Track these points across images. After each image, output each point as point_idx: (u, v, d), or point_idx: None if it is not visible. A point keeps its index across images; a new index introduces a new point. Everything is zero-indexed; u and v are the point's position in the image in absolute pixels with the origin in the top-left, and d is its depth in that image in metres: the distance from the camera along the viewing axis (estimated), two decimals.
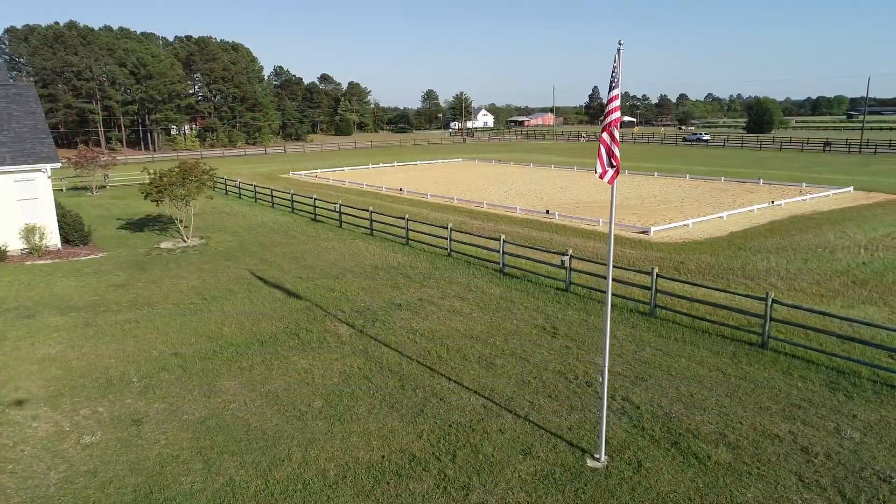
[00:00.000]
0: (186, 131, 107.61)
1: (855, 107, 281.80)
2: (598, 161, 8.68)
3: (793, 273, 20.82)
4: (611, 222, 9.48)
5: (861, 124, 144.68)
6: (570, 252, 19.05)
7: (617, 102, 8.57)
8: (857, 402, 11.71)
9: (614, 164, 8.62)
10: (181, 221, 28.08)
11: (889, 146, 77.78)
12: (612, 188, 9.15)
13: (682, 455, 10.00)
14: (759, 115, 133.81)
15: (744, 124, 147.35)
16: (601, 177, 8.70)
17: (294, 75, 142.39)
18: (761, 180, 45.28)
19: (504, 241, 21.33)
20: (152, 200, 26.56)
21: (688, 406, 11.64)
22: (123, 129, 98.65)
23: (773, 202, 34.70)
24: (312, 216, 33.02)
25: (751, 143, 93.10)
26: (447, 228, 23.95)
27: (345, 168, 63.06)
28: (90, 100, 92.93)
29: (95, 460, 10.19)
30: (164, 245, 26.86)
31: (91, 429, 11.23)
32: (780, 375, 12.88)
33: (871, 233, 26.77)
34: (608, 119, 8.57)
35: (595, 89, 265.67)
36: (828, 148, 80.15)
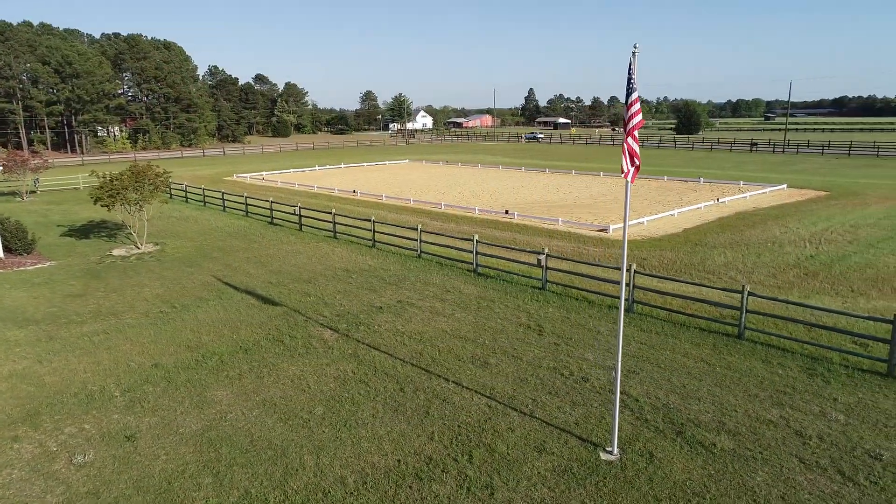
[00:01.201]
0: (116, 133, 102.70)
1: (770, 109, 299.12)
2: (624, 161, 8.90)
3: (749, 267, 21.90)
4: (625, 224, 9.74)
5: (780, 126, 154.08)
6: (546, 251, 19.39)
7: (637, 106, 8.82)
8: (834, 386, 12.47)
9: (636, 162, 8.87)
10: (133, 227, 26.84)
11: (808, 146, 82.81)
12: (627, 187, 9.39)
13: (688, 444, 10.39)
14: (687, 117, 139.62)
15: (673, 126, 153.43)
16: (625, 176, 8.93)
17: (230, 75, 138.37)
18: (702, 179, 47.34)
19: (477, 241, 21.49)
20: (103, 205, 25.28)
21: (683, 397, 12.09)
22: (48, 130, 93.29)
23: (718, 200, 36.37)
24: (269, 220, 32.24)
25: (682, 143, 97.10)
26: (417, 230, 23.91)
27: (291, 170, 61.82)
28: (10, 99, 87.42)
29: (94, 480, 9.65)
30: (116, 252, 25.60)
31: (81, 447, 10.62)
32: (760, 364, 13.55)
33: (811, 227, 28.48)
34: (631, 124, 8.80)
35: (531, 91, 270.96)
36: (754, 148, 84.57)
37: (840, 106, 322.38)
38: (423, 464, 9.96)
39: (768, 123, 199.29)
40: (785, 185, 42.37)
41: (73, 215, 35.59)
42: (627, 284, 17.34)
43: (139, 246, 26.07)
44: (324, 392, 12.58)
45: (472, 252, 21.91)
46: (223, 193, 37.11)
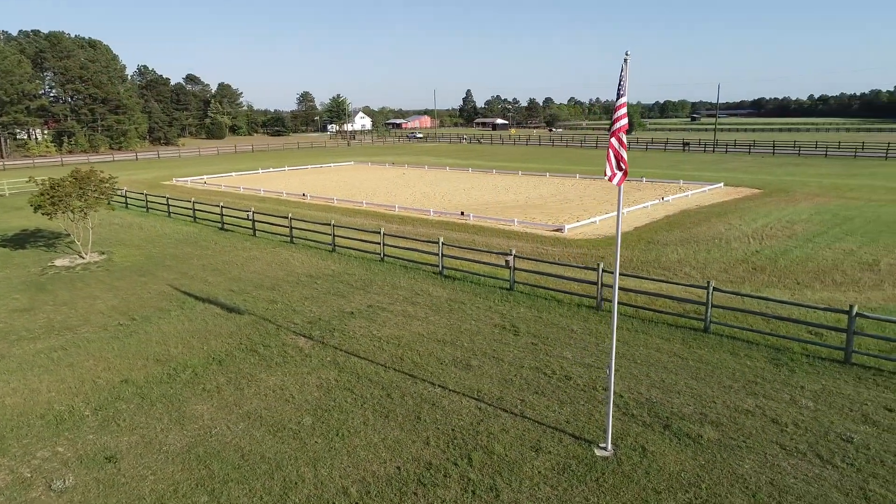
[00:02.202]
0: (39, 136, 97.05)
1: (696, 110, 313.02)
2: (608, 165, 9.15)
3: (702, 263, 22.87)
4: (618, 227, 10.00)
5: (706, 126, 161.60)
6: (514, 252, 19.65)
7: (624, 110, 9.09)
8: (799, 374, 13.21)
9: (623, 167, 9.13)
10: (77, 236, 25.49)
11: (735, 146, 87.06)
12: (619, 190, 9.66)
13: (676, 437, 10.78)
14: None
15: (607, 126, 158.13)
16: (610, 179, 9.17)
17: (160, 75, 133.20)
18: (644, 178, 49.00)
19: (443, 243, 21.54)
20: (44, 214, 23.88)
21: (663, 391, 12.53)
22: None
23: (662, 198, 37.76)
24: (219, 225, 31.27)
25: None
26: (380, 234, 23.75)
27: (233, 174, 60.09)
28: None
29: None
30: (59, 262, 24.23)
31: (58, 472, 10.04)
32: (729, 356, 14.20)
33: (752, 223, 29.98)
34: (616, 125, 9.07)
35: (469, 92, 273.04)
36: (687, 148, 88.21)
37: (759, 107, 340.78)
38: (423, 469, 9.94)
39: (695, 124, 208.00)
40: (722, 184, 44.42)
41: (2, 224, 33.44)
42: (594, 283, 17.82)
43: (84, 255, 24.78)
44: (309, 401, 12.34)
45: (435, 254, 21.95)
46: (168, 199, 35.71)
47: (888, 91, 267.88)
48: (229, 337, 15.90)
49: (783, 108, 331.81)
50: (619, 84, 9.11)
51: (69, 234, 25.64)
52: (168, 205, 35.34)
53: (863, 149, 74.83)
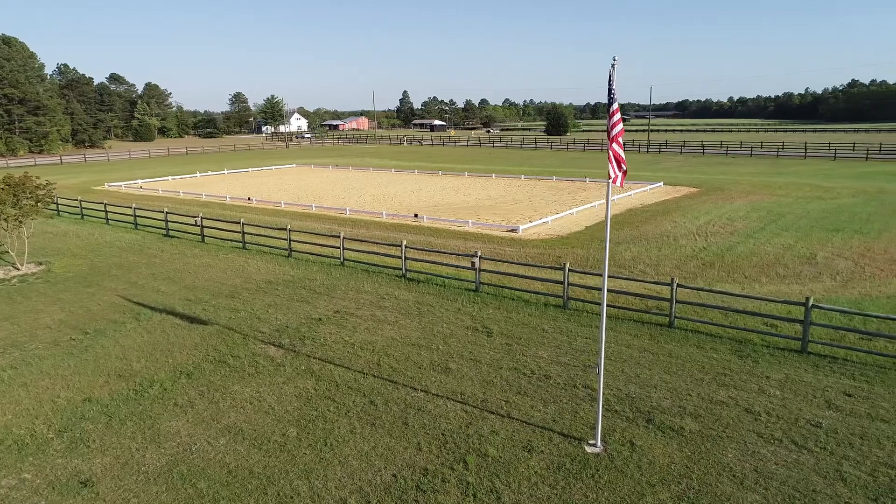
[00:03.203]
0: None
1: (625, 112, 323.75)
2: (611, 167, 9.37)
3: (655, 260, 23.68)
4: (607, 227, 10.21)
5: (636, 127, 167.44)
6: (480, 253, 19.76)
7: (619, 115, 9.33)
8: (762, 365, 13.87)
9: (623, 167, 9.37)
10: (10, 246, 23.88)
11: (667, 146, 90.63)
12: (608, 190, 9.88)
13: (660, 430, 11.12)
14: (556, 119, 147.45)
15: (543, 127, 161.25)
16: (614, 181, 9.40)
17: (83, 74, 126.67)
18: (588, 178, 50.26)
19: (406, 246, 21.42)
20: None
21: (641, 386, 12.90)
22: None
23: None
24: (164, 231, 30.00)
25: (558, 144, 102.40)
26: (339, 237, 23.38)
27: (170, 178, 57.74)
28: None
29: None
30: None
31: (29, 500, 9.38)
32: (696, 350, 14.76)
33: (696, 221, 31.27)
34: (614, 131, 9.29)
35: (405, 93, 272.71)
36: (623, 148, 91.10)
37: (683, 108, 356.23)
38: (419, 475, 9.86)
39: (625, 125, 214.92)
40: (661, 183, 46.11)
41: None
42: (561, 282, 18.14)
43: (19, 267, 23.25)
44: (290, 412, 12.02)
45: (396, 257, 21.80)
46: (105, 204, 33.95)
47: (799, 94, 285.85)
48: (194, 348, 15.28)
49: (706, 109, 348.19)
50: (610, 90, 9.33)
51: (1, 245, 24.01)
52: (106, 211, 33.62)
53: (783, 148, 79.43)
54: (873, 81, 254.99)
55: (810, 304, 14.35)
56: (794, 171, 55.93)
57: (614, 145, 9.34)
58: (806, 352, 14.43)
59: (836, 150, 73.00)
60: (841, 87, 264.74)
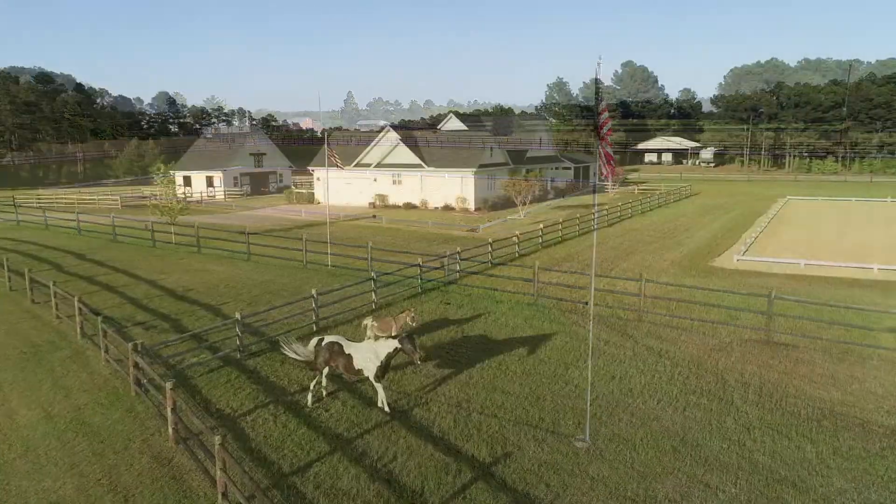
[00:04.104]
0: None
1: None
2: (601, 164, 9.52)
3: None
4: (595, 228, 10.34)
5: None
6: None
7: (607, 114, 9.48)
8: (736, 356, 14.34)
9: (612, 163, 9.57)
10: None
11: None
12: (594, 187, 10.01)
13: (640, 421, 11.33)
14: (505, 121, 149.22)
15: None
16: (606, 177, 9.53)
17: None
18: None
19: (371, 247, 21.22)
20: None
21: (617, 379, 13.14)
22: None
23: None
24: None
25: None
26: (302, 240, 22.96)
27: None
28: None
29: None
30: None
31: None
32: (655, 342, 15.16)
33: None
34: (604, 129, 9.45)
35: (350, 94, 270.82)
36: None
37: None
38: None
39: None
40: None
41: None
42: (531, 280, 18.33)
43: None
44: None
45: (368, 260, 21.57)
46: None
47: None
48: None
49: None
50: (596, 91, 9.47)
51: None
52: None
53: None
54: None
55: (773, 296, 14.93)
56: None
57: (603, 143, 9.48)
58: (764, 342, 15.06)
59: None
60: None
